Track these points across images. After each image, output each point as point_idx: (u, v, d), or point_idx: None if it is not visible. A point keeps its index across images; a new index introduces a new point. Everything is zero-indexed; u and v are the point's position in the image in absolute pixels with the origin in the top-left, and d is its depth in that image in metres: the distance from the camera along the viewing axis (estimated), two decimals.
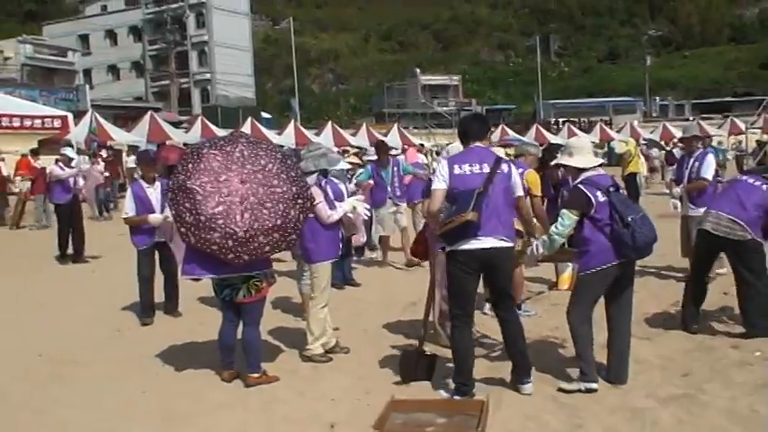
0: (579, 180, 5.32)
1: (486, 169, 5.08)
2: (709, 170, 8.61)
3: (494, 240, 5.04)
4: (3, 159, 19.38)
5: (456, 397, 5.10)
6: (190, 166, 5.27)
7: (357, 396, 5.40)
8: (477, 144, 5.27)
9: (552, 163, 6.27)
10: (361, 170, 10.91)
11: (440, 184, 5.11)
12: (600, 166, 5.48)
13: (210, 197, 5.16)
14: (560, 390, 5.24)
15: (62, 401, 5.52)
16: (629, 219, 5.06)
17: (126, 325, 7.84)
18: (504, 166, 5.17)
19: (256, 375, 5.68)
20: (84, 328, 7.73)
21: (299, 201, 5.40)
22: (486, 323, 6.79)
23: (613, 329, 5.40)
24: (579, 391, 5.16)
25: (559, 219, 5.26)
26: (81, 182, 12.28)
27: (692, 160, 8.79)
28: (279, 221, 5.26)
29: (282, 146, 22.72)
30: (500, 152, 6.17)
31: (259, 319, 5.81)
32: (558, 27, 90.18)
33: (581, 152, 5.46)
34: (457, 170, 5.10)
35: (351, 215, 6.42)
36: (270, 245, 5.30)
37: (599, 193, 5.18)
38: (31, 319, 8.28)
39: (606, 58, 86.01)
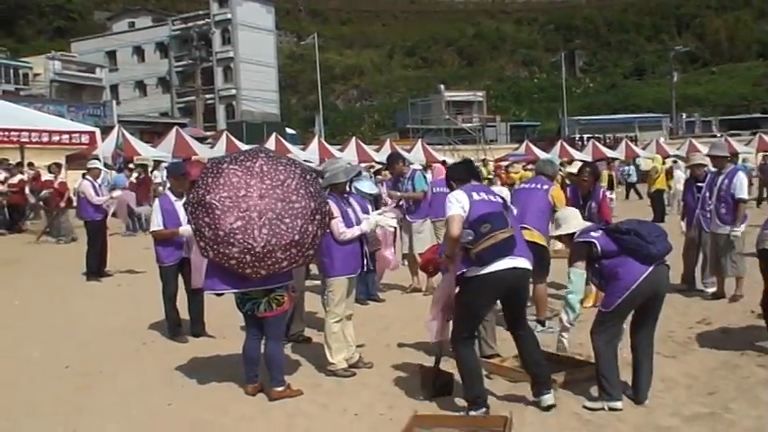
0: (575, 237, 5.43)
1: (498, 199, 5.31)
2: (743, 190, 8.61)
3: (525, 261, 5.12)
4: (32, 172, 19.70)
5: (472, 413, 5.06)
6: (210, 180, 5.31)
7: (380, 411, 5.41)
8: (475, 182, 5.45)
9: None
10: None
11: (458, 210, 5.13)
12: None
13: (229, 212, 5.20)
14: (585, 407, 5.22)
15: (89, 412, 5.58)
16: (624, 227, 5.17)
17: (151, 338, 7.91)
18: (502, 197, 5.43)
19: (280, 389, 5.70)
20: (110, 341, 7.81)
21: (317, 216, 5.44)
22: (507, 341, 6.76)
23: (638, 347, 5.34)
24: (602, 409, 5.14)
25: (568, 279, 5.34)
26: (112, 209, 12.29)
27: (721, 177, 8.74)
28: (297, 237, 5.29)
29: (309, 160, 22.84)
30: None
31: (281, 334, 5.84)
32: (583, 43, 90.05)
33: (567, 221, 5.65)
34: (476, 197, 5.20)
35: (378, 231, 6.43)
36: (287, 260, 5.34)
37: (593, 233, 5.30)
38: (57, 331, 8.38)
39: (632, 75, 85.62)
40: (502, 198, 5.40)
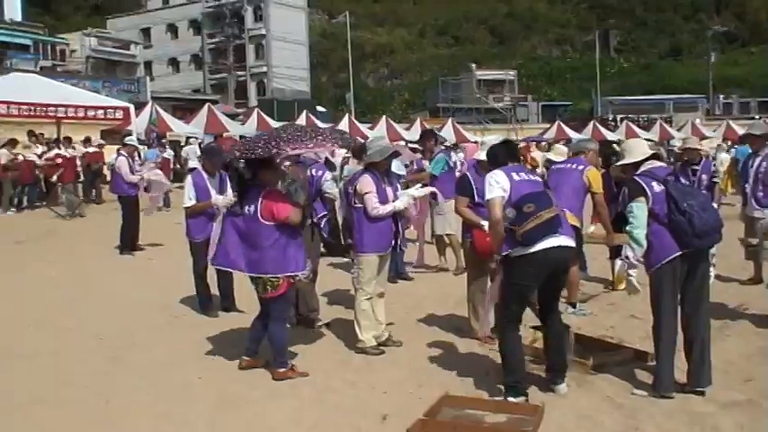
0: (635, 173, 5.24)
1: (538, 178, 5.27)
2: None
3: (569, 240, 5.08)
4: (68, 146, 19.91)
5: (510, 398, 5.01)
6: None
7: (409, 389, 5.41)
8: (514, 163, 5.34)
9: (613, 166, 6.20)
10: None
11: (498, 192, 5.06)
12: (656, 157, 5.39)
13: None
14: (633, 394, 5.15)
15: (121, 384, 5.65)
16: (685, 205, 4.90)
17: (182, 312, 7.98)
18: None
19: (282, 370, 5.70)
20: (143, 314, 7.89)
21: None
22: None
23: (689, 331, 5.17)
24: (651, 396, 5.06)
25: (629, 214, 5.10)
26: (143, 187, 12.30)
27: (759, 159, 8.55)
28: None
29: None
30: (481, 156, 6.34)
31: (282, 316, 5.82)
32: (617, 22, 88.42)
33: (631, 150, 5.44)
34: (516, 177, 5.11)
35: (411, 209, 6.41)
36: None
37: (654, 184, 5.07)
38: (91, 303, 8.49)
39: (668, 55, 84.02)
40: (541, 177, 5.35)
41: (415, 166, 10.25)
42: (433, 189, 7.20)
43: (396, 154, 6.70)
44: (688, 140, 10.56)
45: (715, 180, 9.82)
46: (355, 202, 6.29)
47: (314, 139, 5.57)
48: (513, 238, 4.94)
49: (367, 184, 6.14)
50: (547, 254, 4.92)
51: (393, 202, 6.25)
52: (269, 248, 5.56)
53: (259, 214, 5.54)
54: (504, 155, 5.36)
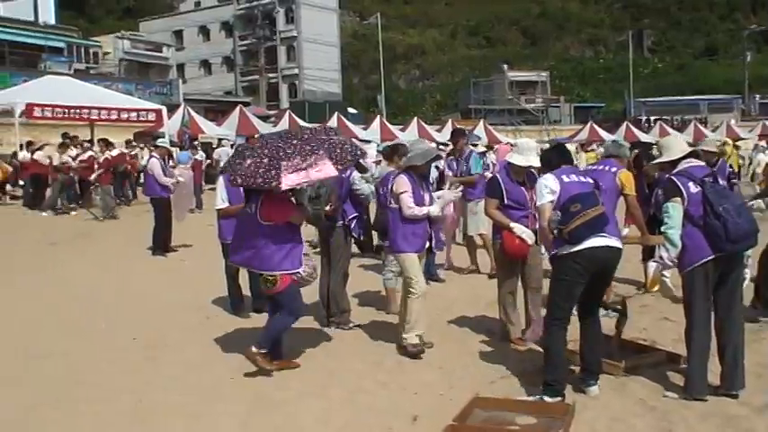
0: (673, 172, 5.18)
1: (590, 180, 5.30)
2: None
3: (616, 240, 5.11)
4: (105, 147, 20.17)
5: (546, 398, 5.00)
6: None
7: (440, 390, 5.41)
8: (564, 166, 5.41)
9: (650, 164, 6.12)
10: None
11: (547, 197, 5.15)
12: (695, 156, 5.31)
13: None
14: (665, 397, 5.11)
15: (153, 383, 5.71)
16: (721, 209, 4.83)
17: (214, 312, 8.04)
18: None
19: (254, 350, 5.75)
20: (175, 315, 7.97)
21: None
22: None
23: (722, 334, 5.10)
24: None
25: (664, 214, 5.07)
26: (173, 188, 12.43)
27: None
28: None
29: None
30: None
31: (290, 310, 5.86)
32: (652, 22, 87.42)
33: (669, 147, 5.38)
34: (566, 179, 5.19)
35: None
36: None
37: (691, 185, 5.00)
38: (124, 304, 8.59)
39: (703, 55, 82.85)
40: (593, 179, 5.39)
41: (446, 169, 10.17)
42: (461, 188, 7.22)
43: (437, 158, 6.72)
44: (705, 142, 10.40)
45: (734, 182, 9.71)
46: (390, 202, 6.35)
47: (310, 160, 5.51)
48: (561, 238, 4.98)
49: (403, 184, 6.19)
50: (594, 252, 4.95)
51: (428, 206, 6.27)
52: (264, 247, 5.69)
53: (258, 214, 5.67)
54: (557, 159, 5.46)
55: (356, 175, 7.28)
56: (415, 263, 6.26)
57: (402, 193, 6.16)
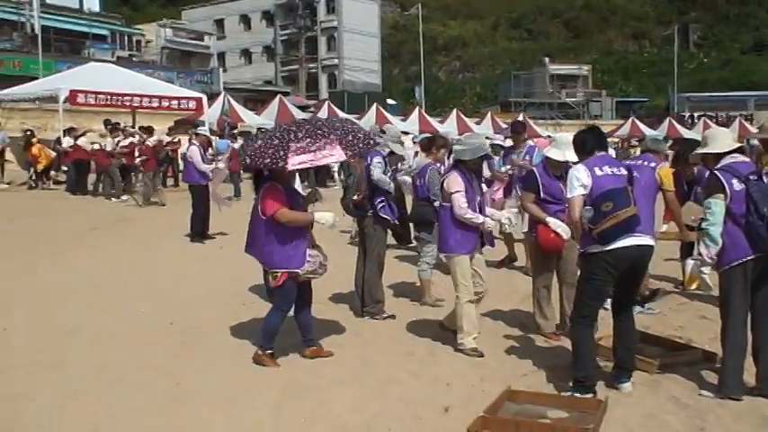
0: (717, 167, 5.07)
1: (624, 171, 5.07)
2: None
3: (648, 239, 5.04)
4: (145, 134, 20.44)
5: (577, 395, 4.98)
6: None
7: (472, 382, 5.42)
8: (602, 153, 5.19)
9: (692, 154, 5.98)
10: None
11: (578, 191, 4.98)
12: (740, 151, 5.19)
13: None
14: (699, 395, 5.07)
15: (191, 367, 5.82)
16: (765, 209, 4.75)
17: (250, 299, 8.12)
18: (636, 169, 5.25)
19: (260, 353, 5.86)
20: (212, 300, 8.09)
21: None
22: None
23: (759, 335, 5.03)
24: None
25: (705, 210, 4.97)
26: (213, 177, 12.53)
27: None
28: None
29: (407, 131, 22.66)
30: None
31: (281, 305, 5.88)
32: (698, 16, 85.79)
33: (716, 139, 5.24)
34: (599, 172, 4.99)
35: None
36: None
37: (735, 181, 4.90)
38: (163, 288, 8.74)
39: (751, 50, 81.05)
40: (627, 169, 5.15)
41: (499, 165, 9.92)
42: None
43: (487, 156, 6.54)
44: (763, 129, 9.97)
45: None
46: (442, 202, 6.23)
47: (319, 143, 5.45)
48: (591, 236, 4.91)
49: (456, 183, 6.00)
50: (624, 252, 4.88)
51: (479, 210, 6.09)
52: (265, 243, 5.71)
53: (258, 209, 5.70)
54: (592, 142, 5.20)
55: (376, 159, 7.10)
56: (464, 266, 6.06)
57: (455, 192, 5.97)
